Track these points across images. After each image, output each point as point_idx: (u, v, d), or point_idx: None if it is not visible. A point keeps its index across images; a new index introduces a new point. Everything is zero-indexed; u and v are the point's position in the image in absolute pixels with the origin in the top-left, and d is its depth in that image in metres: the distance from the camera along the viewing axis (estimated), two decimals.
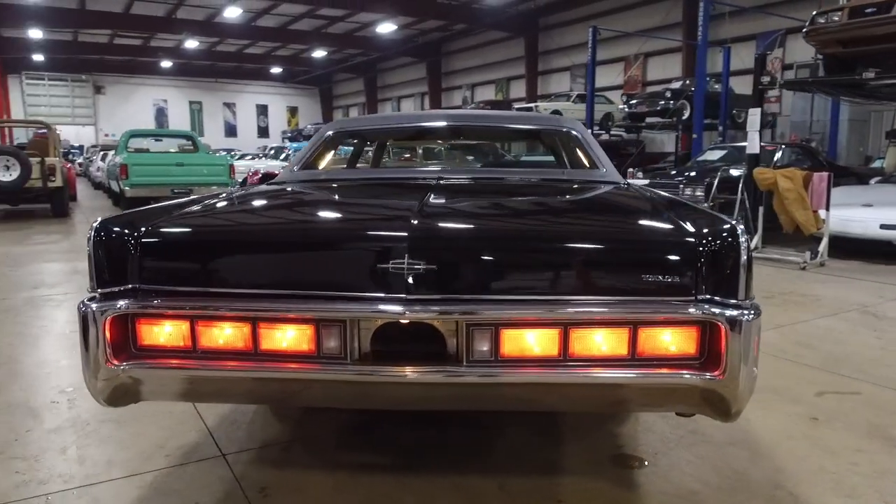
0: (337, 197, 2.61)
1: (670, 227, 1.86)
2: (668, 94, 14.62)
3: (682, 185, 8.09)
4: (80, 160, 25.66)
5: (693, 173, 8.95)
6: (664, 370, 1.71)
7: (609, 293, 1.72)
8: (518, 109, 19.13)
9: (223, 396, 1.90)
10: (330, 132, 3.16)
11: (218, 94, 35.80)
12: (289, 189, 2.78)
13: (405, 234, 1.73)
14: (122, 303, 1.74)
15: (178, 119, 34.61)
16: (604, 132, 17.08)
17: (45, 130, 11.52)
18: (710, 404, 1.72)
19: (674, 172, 8.87)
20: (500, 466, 2.32)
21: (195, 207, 2.17)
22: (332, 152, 3.35)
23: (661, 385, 1.72)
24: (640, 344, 1.71)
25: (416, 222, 1.80)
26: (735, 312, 1.64)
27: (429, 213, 1.97)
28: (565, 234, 1.90)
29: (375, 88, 33.88)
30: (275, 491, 2.14)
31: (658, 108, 14.87)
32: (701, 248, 1.68)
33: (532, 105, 18.86)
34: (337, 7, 21.78)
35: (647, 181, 8.14)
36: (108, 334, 1.74)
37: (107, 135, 33.02)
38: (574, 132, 3.17)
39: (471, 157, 10.00)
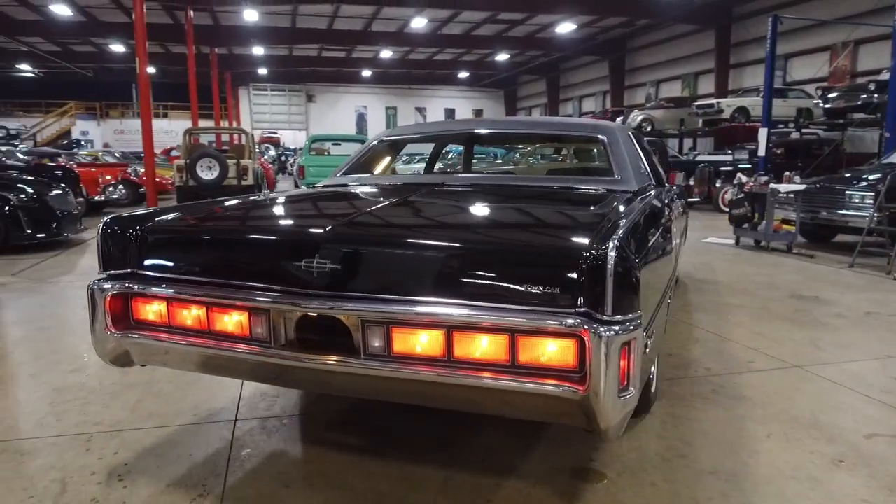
0: (316, 201, 2.87)
1: (558, 241, 1.84)
2: (872, 87, 12.75)
3: (847, 191, 7.13)
4: (291, 161, 29.07)
5: (872, 177, 7.80)
6: (538, 380, 1.72)
7: (493, 300, 1.77)
8: (697, 106, 17.95)
9: (189, 366, 2.25)
10: (375, 142, 3.46)
11: (411, 100, 38.17)
12: (291, 194, 3.10)
13: (317, 236, 1.95)
14: (118, 284, 2.18)
15: (376, 123, 37.53)
16: (795, 130, 15.35)
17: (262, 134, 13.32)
18: (582, 418, 1.70)
19: (848, 175, 7.80)
20: (459, 462, 2.42)
21: (191, 210, 2.56)
22: (387, 158, 3.63)
23: (536, 394, 1.73)
24: (519, 352, 1.75)
25: (329, 227, 2.00)
26: (599, 327, 1.62)
27: (349, 219, 2.17)
28: (457, 242, 1.96)
29: (558, 88, 33.75)
30: (255, 454, 2.47)
31: (859, 102, 13.04)
32: (580, 263, 1.67)
33: (714, 101, 17.54)
34: (516, 10, 22.17)
35: (801, 186, 7.31)
36: (108, 308, 2.19)
37: None
38: (602, 138, 3.10)
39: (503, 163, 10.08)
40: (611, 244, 1.64)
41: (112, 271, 2.23)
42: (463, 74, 35.38)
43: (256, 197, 3.05)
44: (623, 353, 1.63)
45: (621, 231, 1.75)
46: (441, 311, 1.79)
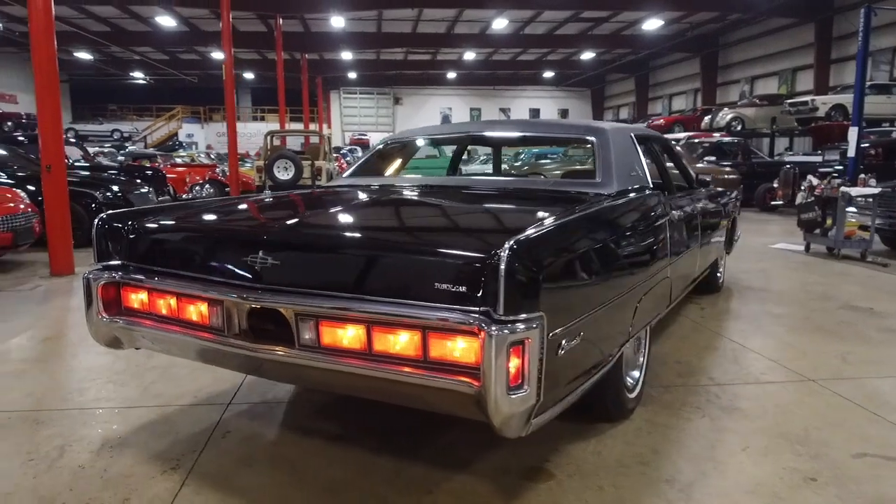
0: (287, 203, 3.04)
1: (468, 242, 1.88)
2: None
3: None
4: None
5: None
6: (443, 375, 1.79)
7: (409, 298, 1.85)
8: (790, 104, 16.92)
9: (165, 349, 2.45)
10: (380, 145, 3.60)
11: (495, 101, 38.20)
12: (272, 195, 3.29)
13: (261, 234, 2.11)
14: (109, 274, 2.44)
15: None
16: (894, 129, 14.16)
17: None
18: (481, 413, 1.75)
19: None
20: (418, 455, 2.50)
21: (175, 209, 2.76)
22: (394, 159, 3.75)
23: (441, 388, 1.79)
24: (429, 347, 1.82)
25: (273, 226, 2.15)
26: (491, 326, 1.66)
27: (295, 219, 2.31)
28: (380, 242, 2.05)
29: (647, 87, 32.73)
30: (233, 436, 2.66)
31: None
32: (479, 264, 1.72)
33: (809, 98, 16.46)
34: (599, 8, 21.75)
35: (876, 190, 6.79)
36: (101, 296, 2.44)
37: None
38: (592, 139, 3.07)
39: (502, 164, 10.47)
40: (506, 245, 1.68)
41: (105, 262, 2.49)
42: (548, 74, 35.03)
43: (250, 196, 3.26)
44: (516, 352, 1.67)
45: (526, 233, 1.78)
46: (362, 308, 1.89)
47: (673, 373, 3.44)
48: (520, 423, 1.76)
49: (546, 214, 2.18)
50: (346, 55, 29.28)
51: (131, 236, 2.46)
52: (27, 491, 2.22)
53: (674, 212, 3.26)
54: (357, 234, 2.26)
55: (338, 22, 22.72)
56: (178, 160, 19.74)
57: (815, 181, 7.48)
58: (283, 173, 12.22)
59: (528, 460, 2.46)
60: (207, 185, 13.45)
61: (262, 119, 36.79)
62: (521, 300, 1.69)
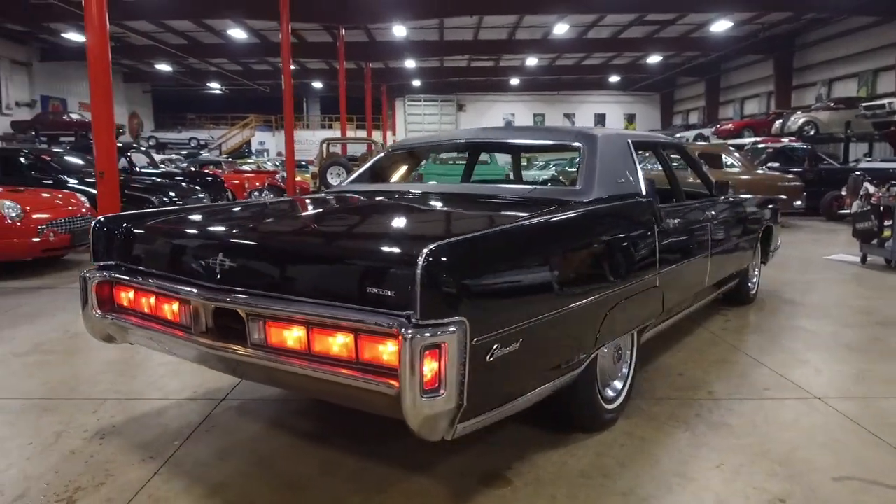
0: (266, 208, 3.16)
1: (397, 248, 1.91)
2: None
3: None
4: None
5: None
6: (370, 376, 1.84)
7: (344, 301, 1.92)
8: (866, 107, 15.98)
9: (148, 344, 2.60)
10: (382, 154, 3.69)
11: (559, 106, 37.81)
12: (275, 200, 3.41)
13: (222, 238, 2.22)
14: (102, 273, 2.62)
15: None
16: None
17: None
18: (402, 415, 1.78)
19: None
20: (384, 455, 2.55)
21: (162, 214, 2.91)
22: (400, 166, 3.83)
23: (368, 389, 1.84)
24: (360, 349, 1.88)
25: (233, 231, 2.26)
26: (407, 330, 1.70)
27: (256, 223, 2.41)
28: (322, 246, 2.12)
29: (717, 90, 31.59)
30: (217, 430, 2.80)
31: None
32: (401, 270, 1.77)
33: (886, 101, 15.48)
34: (664, 11, 21.21)
35: None
36: (95, 293, 2.63)
37: None
38: (579, 146, 3.04)
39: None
40: (424, 252, 1.71)
41: (100, 262, 2.67)
42: (614, 79, 34.36)
43: (237, 203, 3.40)
44: (432, 356, 1.70)
45: (449, 240, 1.81)
46: (301, 310, 1.97)
47: (671, 385, 3.35)
48: (439, 426, 1.78)
49: (492, 222, 2.19)
50: (410, 63, 29.71)
51: (123, 239, 2.64)
52: (17, 470, 2.41)
53: (669, 220, 3.18)
54: (303, 239, 2.35)
55: (400, 31, 23.12)
56: (245, 167, 20.57)
57: (871, 188, 7.06)
58: (336, 179, 12.57)
59: (491, 466, 2.47)
60: (266, 191, 13.99)
61: (330, 127, 37.77)
62: (439, 305, 1.72)
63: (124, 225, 2.67)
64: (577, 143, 3.07)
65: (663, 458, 2.54)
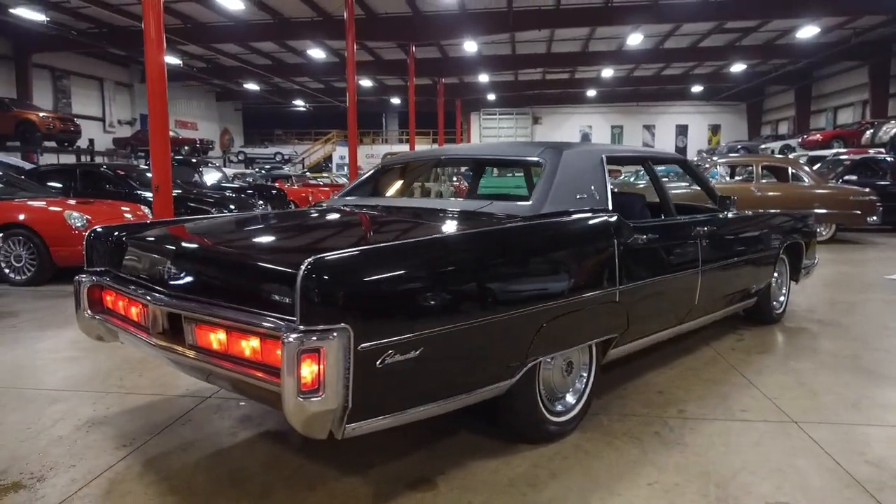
0: (244, 220, 3.40)
1: (296, 258, 2.04)
2: None
3: None
4: None
5: None
6: (270, 377, 1.99)
7: (254, 306, 2.09)
8: None
9: (127, 343, 2.87)
10: (371, 170, 3.87)
11: (638, 117, 36.97)
12: (263, 214, 3.64)
13: (170, 247, 2.45)
14: (92, 278, 2.93)
15: (600, 143, 37.10)
16: None
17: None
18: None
19: None
20: (327, 456, 2.70)
21: (142, 226, 3.19)
22: (391, 180, 3.99)
23: (268, 389, 2.00)
24: (263, 351, 2.04)
25: (185, 241, 2.49)
26: (287, 334, 1.85)
27: (202, 233, 2.64)
28: (238, 255, 2.31)
29: (808, 99, 29.94)
30: (191, 424, 3.04)
31: None
32: (287, 278, 1.92)
33: None
34: (744, 18, 20.42)
35: None
36: (87, 296, 2.94)
37: None
38: (540, 160, 3.09)
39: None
40: (305, 263, 1.86)
41: (93, 269, 2.99)
42: (696, 88, 33.25)
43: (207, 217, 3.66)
44: (311, 359, 1.83)
45: (333, 252, 1.94)
46: (218, 313, 2.16)
47: (645, 403, 3.30)
48: (322, 425, 1.91)
49: (401, 236, 2.32)
50: (483, 77, 30.02)
51: (111, 248, 2.94)
52: (8, 451, 2.74)
53: (640, 235, 3.16)
54: (228, 249, 2.56)
55: (471, 47, 23.46)
56: (318, 181, 21.43)
57: None
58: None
59: (425, 471, 2.56)
60: (292, 203, 14.54)
61: (408, 141, 38.67)
62: (320, 312, 1.85)
63: (113, 235, 2.97)
64: (539, 159, 3.12)
65: (599, 473, 2.55)
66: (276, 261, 2.17)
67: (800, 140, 22.59)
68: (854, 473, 2.54)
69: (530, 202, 2.89)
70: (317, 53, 25.02)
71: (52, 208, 7.02)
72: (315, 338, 1.83)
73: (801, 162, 11.62)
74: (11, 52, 20.97)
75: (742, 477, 2.52)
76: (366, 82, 31.32)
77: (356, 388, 1.92)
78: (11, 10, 16.97)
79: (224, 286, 2.23)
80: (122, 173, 9.44)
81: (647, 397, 3.39)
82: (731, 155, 21.42)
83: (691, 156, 33.35)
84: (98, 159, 20.79)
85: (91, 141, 21.02)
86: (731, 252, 4.07)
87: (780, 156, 16.84)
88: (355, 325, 1.89)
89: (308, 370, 1.84)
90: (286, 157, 35.23)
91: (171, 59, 24.53)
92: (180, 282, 2.39)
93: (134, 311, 2.67)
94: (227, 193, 10.90)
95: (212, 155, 30.45)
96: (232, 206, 9.38)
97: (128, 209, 7.66)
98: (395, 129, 41.40)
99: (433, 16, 20.14)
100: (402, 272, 2.09)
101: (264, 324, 1.97)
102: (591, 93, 34.48)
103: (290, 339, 1.82)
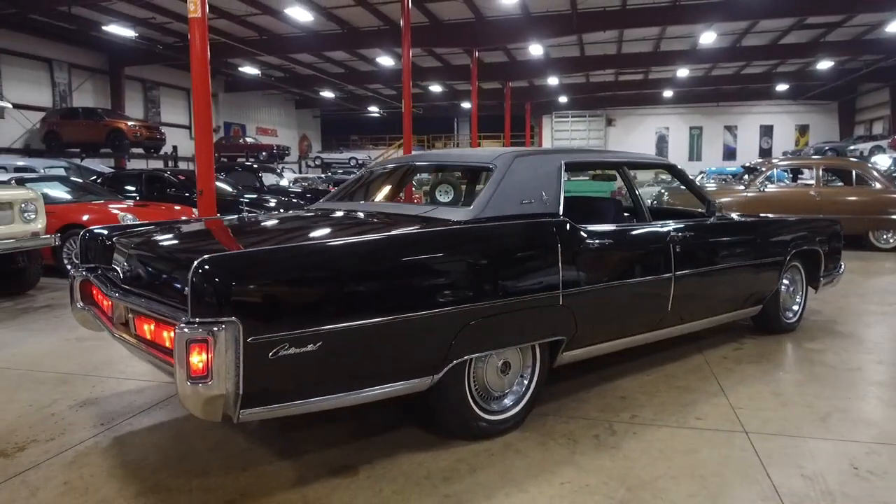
0: (219, 223, 3.65)
1: (194, 257, 2.20)
2: None
3: None
4: None
5: None
6: (173, 361, 2.21)
7: (170, 299, 2.32)
8: None
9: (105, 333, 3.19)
10: (355, 175, 4.06)
11: (718, 118, 35.49)
12: (248, 216, 3.91)
13: (130, 246, 2.74)
14: (82, 273, 3.27)
15: (677, 145, 35.93)
16: None
17: None
18: None
19: None
20: (274, 440, 2.90)
21: (126, 227, 3.49)
22: (374, 186, 4.16)
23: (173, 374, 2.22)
24: (171, 341, 2.26)
25: (140, 240, 2.76)
26: (180, 325, 2.05)
27: (154, 234, 2.92)
28: (162, 253, 2.56)
29: None
30: (164, 408, 3.32)
31: None
32: (186, 275, 2.12)
33: None
34: (824, 13, 19.29)
35: None
36: (79, 289, 3.28)
37: None
38: (490, 166, 3.17)
39: None
40: (196, 262, 2.06)
41: (85, 265, 3.34)
42: (781, 87, 31.57)
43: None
44: (200, 348, 2.03)
45: (226, 252, 2.14)
46: (143, 304, 2.41)
47: (601, 407, 3.32)
48: (213, 409, 2.10)
49: (318, 238, 2.49)
50: (553, 80, 29.76)
51: (99, 247, 3.27)
52: (6, 424, 3.11)
53: (592, 241, 3.18)
54: (162, 249, 2.80)
55: (537, 50, 23.36)
56: None
57: None
58: (444, 196, 13.14)
59: (353, 459, 2.72)
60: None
61: (479, 145, 38.88)
62: (208, 306, 2.05)
63: (102, 236, 3.30)
64: (491, 164, 3.20)
65: (517, 471, 2.62)
66: (182, 259, 2.40)
67: (889, 141, 21.09)
68: (779, 486, 2.49)
69: (469, 207, 2.99)
70: (386, 61, 25.62)
71: (111, 210, 7.67)
72: (202, 329, 2.03)
73: (871, 164, 10.90)
74: (107, 66, 22.75)
75: (661, 482, 2.52)
76: (435, 87, 31.78)
77: (247, 376, 2.10)
78: (104, 28, 18.44)
79: (152, 282, 2.49)
80: (182, 178, 10.13)
81: (606, 401, 3.39)
82: (816, 156, 20.26)
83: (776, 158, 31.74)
84: (182, 165, 22.21)
85: (174, 147, 22.47)
86: (717, 259, 3.98)
87: (852, 159, 15.80)
88: (245, 319, 2.08)
89: (197, 358, 2.04)
90: (360, 161, 36.23)
91: (251, 70, 25.89)
92: (130, 278, 2.67)
93: (105, 305, 2.98)
94: (282, 198, 11.43)
95: (288, 160, 31.78)
96: (280, 210, 9.86)
97: (180, 210, 8.25)
98: (467, 134, 41.64)
99: (495, 20, 20.21)
100: (295, 273, 2.26)
101: (168, 316, 2.19)
102: (668, 93, 33.41)
103: (180, 330, 2.03)
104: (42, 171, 12.83)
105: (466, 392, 2.79)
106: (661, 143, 36.68)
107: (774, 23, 21.06)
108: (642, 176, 16.06)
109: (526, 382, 3.04)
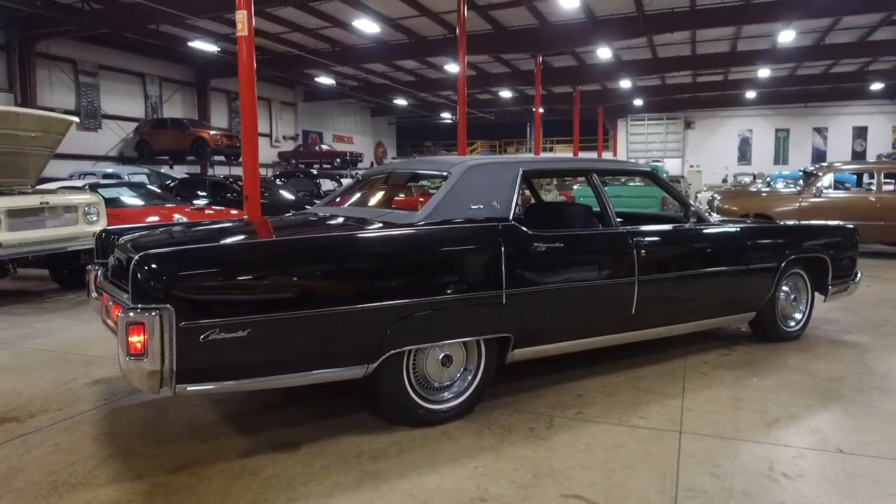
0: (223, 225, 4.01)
1: (139, 252, 2.56)
2: None
3: None
4: None
5: None
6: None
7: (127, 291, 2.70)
8: None
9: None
10: (351, 180, 4.37)
11: (806, 120, 33.63)
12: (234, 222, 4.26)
13: (116, 244, 3.17)
14: (96, 268, 3.76)
15: (762, 148, 34.36)
16: None
17: None
18: None
19: None
20: (240, 420, 3.25)
21: (131, 230, 3.95)
22: (369, 192, 4.46)
23: None
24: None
25: (125, 239, 3.18)
26: (122, 311, 2.42)
27: (139, 235, 3.33)
28: (134, 246, 2.93)
29: None
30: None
31: None
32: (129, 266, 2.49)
33: None
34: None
35: None
36: (93, 283, 3.77)
37: (692, 166, 35.84)
38: (445, 174, 3.39)
39: None
40: (136, 256, 2.42)
41: (99, 260, 3.83)
42: (876, 86, 29.57)
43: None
44: (137, 331, 2.38)
45: (163, 249, 2.48)
46: (115, 294, 2.80)
47: (553, 403, 3.46)
48: (149, 383, 2.44)
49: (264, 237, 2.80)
50: (626, 83, 29.24)
51: (111, 245, 3.75)
52: (28, 396, 3.63)
53: (540, 244, 3.34)
54: (133, 246, 3.17)
55: (605, 53, 23.11)
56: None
57: None
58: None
59: (300, 437, 3.01)
60: None
61: (551, 150, 38.65)
62: (145, 294, 2.40)
63: (112, 235, 3.78)
64: (446, 172, 3.43)
65: (441, 455, 2.83)
66: (133, 255, 2.78)
67: None
68: (682, 482, 2.58)
69: (417, 211, 3.23)
70: (453, 68, 25.97)
71: (170, 213, 8.40)
72: (139, 314, 2.39)
73: None
74: (194, 79, 24.43)
75: (569, 472, 2.67)
76: (505, 93, 31.93)
77: (181, 356, 2.44)
78: (190, 43, 19.85)
79: (118, 275, 2.89)
80: (241, 185, 10.84)
81: (560, 398, 3.54)
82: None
83: (869, 160, 29.79)
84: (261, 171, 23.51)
85: None
86: (691, 264, 4.02)
87: None
88: (177, 306, 2.42)
89: (136, 338, 2.40)
90: None
91: (326, 80, 26.99)
92: (112, 272, 3.09)
93: (104, 296, 3.43)
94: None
95: (361, 166, 32.80)
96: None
97: (233, 215, 8.90)
98: (539, 138, 41.49)
99: (559, 25, 20.18)
100: (224, 267, 2.59)
101: (123, 303, 2.57)
102: (751, 94, 32.00)
103: (122, 314, 2.40)
104: (126, 177, 14.05)
105: (405, 381, 3.03)
106: (744, 146, 35.15)
107: (859, 19, 19.89)
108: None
109: (470, 377, 3.24)
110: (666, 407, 3.41)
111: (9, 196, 6.33)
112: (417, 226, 3.12)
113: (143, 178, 14.57)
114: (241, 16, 7.68)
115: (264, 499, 2.46)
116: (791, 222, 5.06)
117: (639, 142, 36.77)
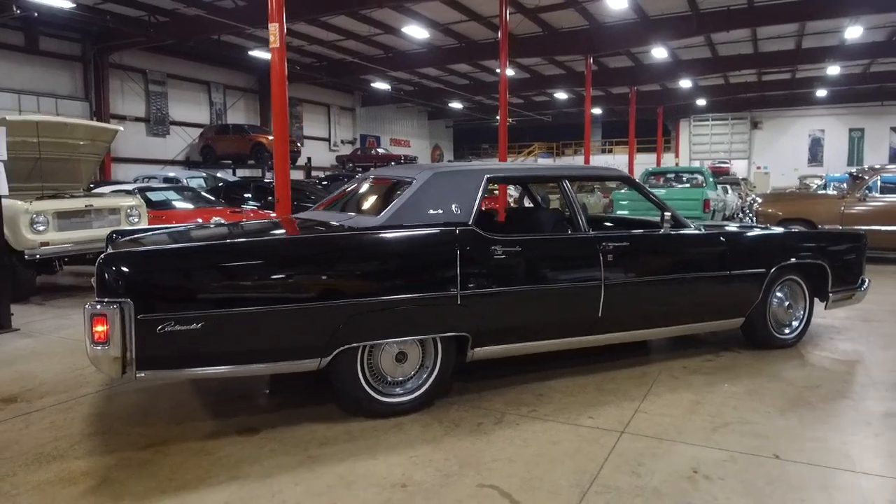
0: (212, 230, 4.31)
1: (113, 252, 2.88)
2: None
3: None
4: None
5: None
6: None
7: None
8: None
9: None
10: (346, 186, 4.64)
11: (883, 119, 31.76)
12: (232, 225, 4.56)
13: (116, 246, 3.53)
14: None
15: (835, 148, 32.71)
16: None
17: None
18: None
19: None
20: (215, 406, 3.55)
21: (135, 231, 4.31)
22: (349, 197, 4.68)
23: None
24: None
25: (125, 241, 3.53)
26: (88, 304, 2.74)
27: (137, 235, 3.65)
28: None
29: None
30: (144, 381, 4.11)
31: None
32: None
33: None
34: None
35: None
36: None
37: (759, 168, 34.52)
38: (410, 180, 3.58)
39: None
40: (101, 256, 2.73)
41: None
42: None
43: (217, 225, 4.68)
44: (100, 321, 2.70)
45: (126, 249, 2.77)
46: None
47: (510, 401, 3.59)
48: (111, 368, 2.75)
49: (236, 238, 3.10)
50: (686, 83, 28.51)
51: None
52: (42, 379, 4.06)
53: (498, 248, 3.48)
54: (114, 246, 3.49)
55: (660, 52, 22.67)
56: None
57: None
58: (529, 202, 13.38)
59: (262, 424, 3.28)
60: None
61: (611, 151, 38.03)
62: (108, 289, 2.72)
63: (119, 234, 4.17)
64: (409, 179, 3.62)
65: (385, 444, 3.03)
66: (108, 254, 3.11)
67: None
68: (600, 478, 2.68)
69: (375, 216, 3.44)
70: (508, 71, 26.11)
71: (213, 217, 8.93)
72: (100, 306, 2.70)
73: None
74: (256, 86, 25.52)
75: (495, 464, 2.82)
76: (561, 94, 31.72)
77: (139, 345, 2.75)
78: (250, 52, 20.78)
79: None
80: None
81: (520, 396, 3.66)
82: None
83: None
84: (316, 174, 24.31)
85: (308, 159, 24.63)
86: (664, 269, 4.05)
87: None
88: (136, 300, 2.72)
89: (100, 328, 2.72)
90: None
91: (382, 85, 27.61)
92: None
93: None
94: None
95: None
96: None
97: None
98: (598, 140, 40.87)
99: (610, 26, 19.97)
100: (178, 266, 2.88)
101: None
102: (821, 93, 30.57)
103: (88, 306, 2.73)
104: (185, 181, 14.91)
105: (359, 375, 3.24)
106: (816, 146, 33.58)
107: None
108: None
109: (426, 374, 3.42)
110: (621, 408, 3.48)
111: (59, 199, 6.94)
112: (373, 228, 3.33)
113: (201, 182, 15.41)
114: (273, 28, 8.09)
115: (210, 475, 2.73)
116: (780, 229, 4.95)
117: (702, 143, 35.71)
